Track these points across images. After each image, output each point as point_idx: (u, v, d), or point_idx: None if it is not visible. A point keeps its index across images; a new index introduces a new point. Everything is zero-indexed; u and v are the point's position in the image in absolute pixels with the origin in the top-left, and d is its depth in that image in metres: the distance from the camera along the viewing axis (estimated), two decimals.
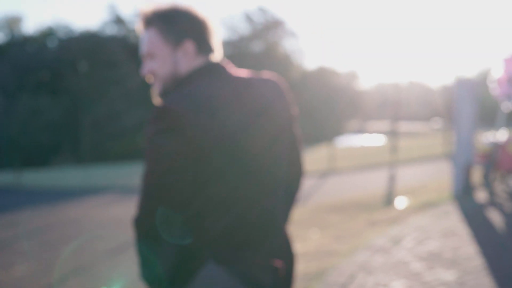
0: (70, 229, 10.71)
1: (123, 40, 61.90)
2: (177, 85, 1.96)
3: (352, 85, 70.57)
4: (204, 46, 2.00)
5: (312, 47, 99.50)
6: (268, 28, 62.88)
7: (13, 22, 65.03)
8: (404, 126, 56.20)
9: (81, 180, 24.79)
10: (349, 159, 26.19)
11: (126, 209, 13.56)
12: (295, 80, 56.62)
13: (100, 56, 57.45)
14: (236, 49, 60.59)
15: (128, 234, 9.56)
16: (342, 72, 71.30)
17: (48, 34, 64.68)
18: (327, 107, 54.61)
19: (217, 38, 2.06)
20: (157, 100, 2.00)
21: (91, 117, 50.34)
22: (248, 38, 62.11)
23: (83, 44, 58.36)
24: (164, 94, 1.99)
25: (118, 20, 64.16)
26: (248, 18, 62.50)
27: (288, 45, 67.38)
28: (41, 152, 54.81)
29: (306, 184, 16.69)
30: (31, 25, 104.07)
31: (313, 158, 28.21)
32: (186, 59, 1.97)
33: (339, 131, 61.28)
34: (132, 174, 25.16)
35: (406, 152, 25.04)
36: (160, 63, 1.97)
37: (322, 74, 65.74)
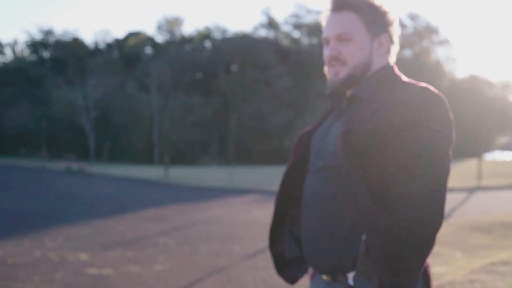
0: (212, 228, 10.88)
1: (274, 43, 62.89)
2: (365, 77, 1.96)
3: (505, 96, 66.52)
4: (393, 44, 2.02)
5: (465, 55, 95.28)
6: (419, 34, 61.01)
7: (173, 23, 68.24)
8: None
9: (225, 179, 25.36)
10: (497, 176, 24.71)
11: (267, 211, 13.60)
12: (444, 89, 54.48)
13: (251, 58, 58.75)
14: None
15: (266, 237, 9.52)
16: (496, 81, 67.37)
17: (204, 35, 67.25)
18: (477, 119, 51.81)
19: (397, 36, 2.05)
20: (335, 85, 1.99)
21: (239, 116, 51.52)
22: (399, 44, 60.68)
23: (236, 46, 59.98)
24: (349, 82, 1.96)
25: (271, 24, 65.26)
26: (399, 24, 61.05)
27: (440, 52, 64.83)
28: (191, 149, 57.13)
29: (451, 199, 15.88)
30: (189, 27, 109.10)
31: (459, 173, 26.92)
32: (379, 53, 1.98)
33: (488, 145, 58.22)
34: (275, 176, 25.33)
35: None
36: (355, 49, 1.94)
37: (473, 83, 62.75)
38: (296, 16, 65.09)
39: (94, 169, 34.51)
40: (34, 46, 67.16)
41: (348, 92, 2.02)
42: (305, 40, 65.79)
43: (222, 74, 61.09)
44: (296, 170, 2.10)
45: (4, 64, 67.07)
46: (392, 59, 2.03)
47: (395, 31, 2.01)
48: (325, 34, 2.00)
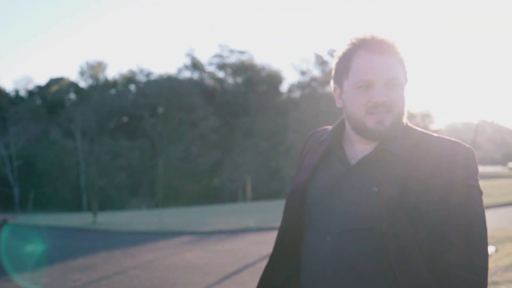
0: (143, 274, 10.77)
1: (199, 84, 63.27)
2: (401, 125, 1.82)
3: (426, 126, 69.05)
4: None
5: None
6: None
7: (96, 67, 67.63)
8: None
9: (156, 222, 25.09)
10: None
11: (201, 253, 13.57)
12: None
13: (177, 99, 58.80)
14: (308, 91, 60.59)
15: (204, 279, 9.54)
16: (415, 111, 69.86)
17: (129, 78, 66.95)
18: None
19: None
20: (379, 135, 1.78)
21: (167, 158, 51.32)
22: (321, 80, 62.05)
23: (161, 88, 59.99)
24: (394, 131, 1.78)
25: (195, 65, 65.73)
26: (320, 61, 62.62)
27: None
28: (119, 194, 56.22)
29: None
30: (113, 71, 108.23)
31: None
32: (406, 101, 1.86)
33: None
34: (205, 217, 25.24)
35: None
36: (401, 96, 1.78)
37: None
38: (219, 56, 65.92)
39: (20, 220, 33.35)
40: None
41: (364, 144, 1.84)
42: (230, 80, 66.50)
43: (148, 117, 60.81)
44: (293, 229, 1.92)
45: None
46: None
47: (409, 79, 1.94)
48: (369, 76, 1.76)
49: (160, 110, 61.47)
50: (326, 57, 62.32)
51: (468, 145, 1.77)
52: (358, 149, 1.84)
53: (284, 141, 57.07)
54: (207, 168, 57.05)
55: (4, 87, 67.53)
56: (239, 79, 65.14)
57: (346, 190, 1.78)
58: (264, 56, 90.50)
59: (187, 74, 65.95)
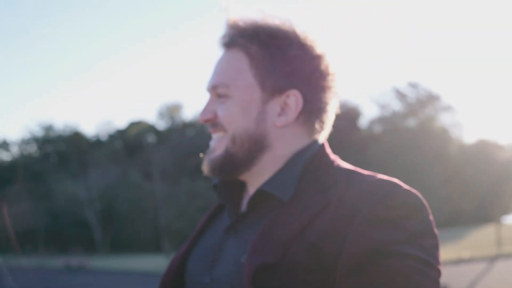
0: None
1: None
2: (263, 159, 1.23)
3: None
4: (315, 107, 1.24)
5: (471, 120, 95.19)
6: (421, 103, 60.93)
7: (173, 109, 68.76)
8: None
9: None
10: None
11: None
12: (453, 155, 53.68)
13: None
14: (389, 125, 59.12)
15: None
16: (505, 144, 66.59)
17: None
18: (490, 183, 50.67)
19: (335, 95, 1.28)
20: (206, 169, 1.25)
21: None
22: (401, 113, 60.56)
23: None
24: (229, 163, 1.22)
25: None
26: (399, 94, 61.16)
27: (445, 119, 64.54)
28: None
29: (470, 270, 14.80)
30: (190, 112, 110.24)
31: (477, 241, 25.80)
32: (282, 121, 1.22)
33: (506, 209, 56.83)
34: None
35: None
36: (235, 110, 1.21)
37: (482, 147, 62.13)
38: None
39: (95, 263, 33.49)
40: (37, 142, 67.58)
41: (250, 185, 1.26)
42: None
43: None
44: None
45: (7, 161, 67.41)
46: (317, 134, 1.26)
47: (326, 87, 1.23)
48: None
49: None
50: (405, 90, 60.75)
51: (409, 188, 1.13)
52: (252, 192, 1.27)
53: None
54: None
55: (85, 131, 69.74)
56: None
57: (221, 260, 1.23)
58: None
59: None
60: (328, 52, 1.25)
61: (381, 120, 61.53)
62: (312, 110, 1.23)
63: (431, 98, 61.89)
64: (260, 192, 1.21)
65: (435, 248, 1.08)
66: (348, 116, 63.38)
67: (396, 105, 61.86)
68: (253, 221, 1.21)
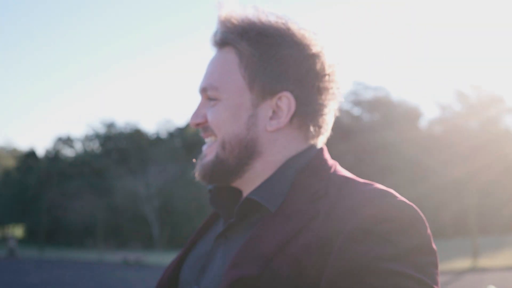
0: None
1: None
2: (252, 166, 1.18)
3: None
4: (310, 110, 1.17)
5: None
6: (483, 104, 59.32)
7: None
8: None
9: None
10: None
11: None
12: None
13: None
14: (450, 126, 57.81)
15: None
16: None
17: None
18: None
19: (333, 97, 1.21)
20: (198, 176, 1.24)
21: None
22: (462, 115, 59.16)
23: None
24: (219, 170, 1.19)
25: None
26: (462, 95, 59.74)
27: (508, 120, 62.62)
28: None
29: None
30: None
31: None
32: (274, 125, 1.17)
33: None
34: None
35: None
36: (224, 114, 1.17)
37: None
38: (355, 93, 64.68)
39: (152, 258, 33.94)
40: (100, 139, 69.13)
41: (244, 193, 1.21)
42: (366, 117, 65.13)
43: None
44: None
45: (70, 157, 69.40)
46: (314, 138, 1.20)
47: (322, 88, 1.16)
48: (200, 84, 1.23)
49: None
50: (467, 91, 59.27)
51: (403, 199, 1.04)
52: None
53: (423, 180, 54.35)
54: None
55: (145, 129, 70.90)
56: (376, 116, 63.44)
57: (209, 269, 1.18)
58: (400, 91, 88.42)
59: None
60: (324, 51, 1.18)
61: (441, 121, 60.23)
62: (307, 113, 1.17)
63: (493, 100, 60.24)
64: (248, 201, 1.15)
65: (431, 266, 0.99)
66: (408, 116, 62.33)
67: (457, 106, 60.54)
68: (242, 229, 1.17)
